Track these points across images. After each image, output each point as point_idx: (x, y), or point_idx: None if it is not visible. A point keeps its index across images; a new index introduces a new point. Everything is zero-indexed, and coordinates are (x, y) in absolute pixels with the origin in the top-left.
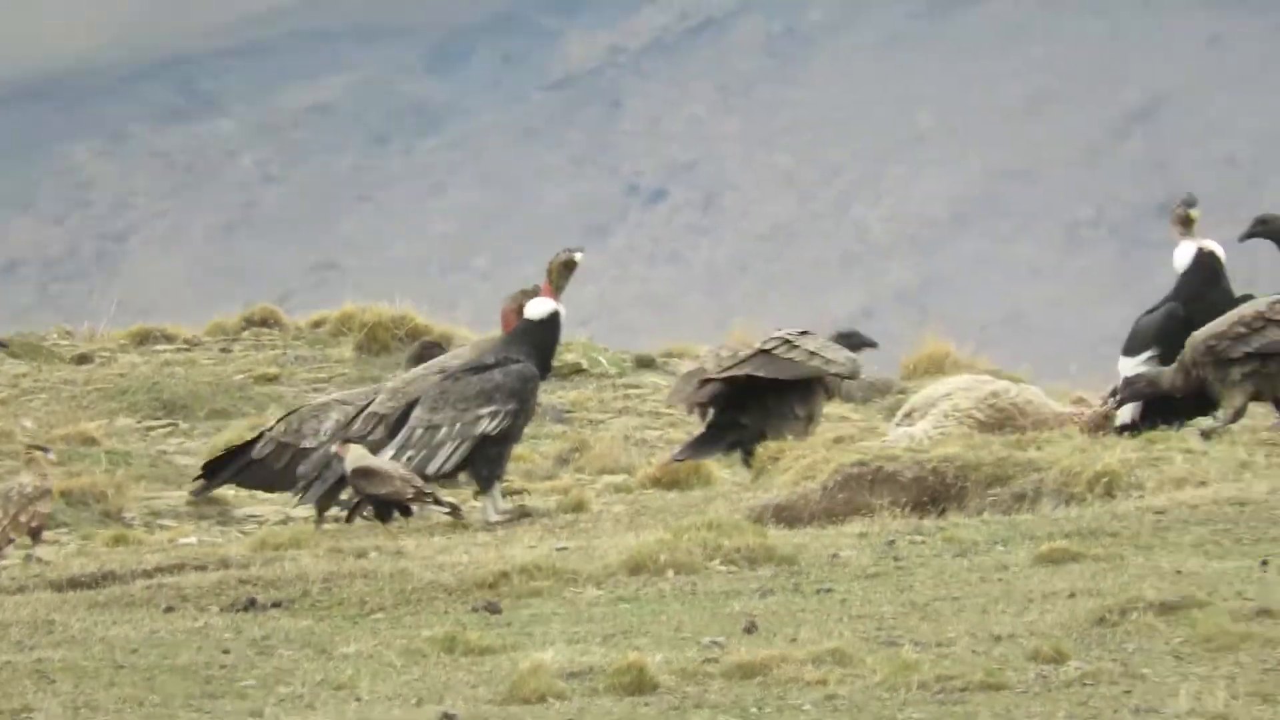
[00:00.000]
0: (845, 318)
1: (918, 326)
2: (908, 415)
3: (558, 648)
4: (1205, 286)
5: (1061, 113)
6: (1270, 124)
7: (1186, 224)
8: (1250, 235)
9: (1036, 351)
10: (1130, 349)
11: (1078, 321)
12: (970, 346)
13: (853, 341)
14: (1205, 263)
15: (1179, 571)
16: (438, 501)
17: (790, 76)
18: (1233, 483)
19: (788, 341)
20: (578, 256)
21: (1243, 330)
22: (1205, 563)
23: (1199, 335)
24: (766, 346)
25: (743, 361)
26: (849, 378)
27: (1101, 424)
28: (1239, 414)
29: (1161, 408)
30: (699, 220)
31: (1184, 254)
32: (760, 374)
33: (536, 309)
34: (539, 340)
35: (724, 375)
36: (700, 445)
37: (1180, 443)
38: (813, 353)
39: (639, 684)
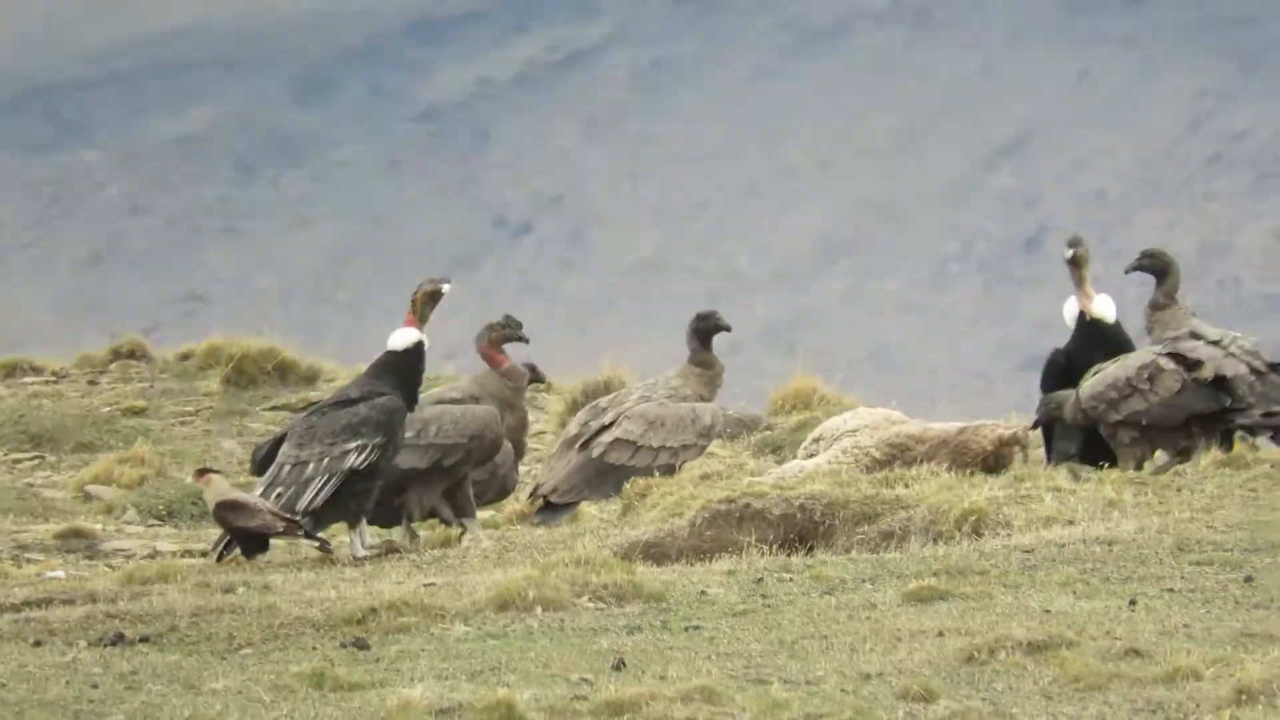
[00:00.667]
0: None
1: (785, 362)
2: (816, 441)
3: (426, 684)
4: (1088, 348)
5: (930, 147)
6: (1138, 158)
7: (1076, 265)
8: (1136, 268)
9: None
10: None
11: (945, 356)
12: (838, 381)
13: (709, 324)
14: (1086, 328)
15: (1047, 610)
16: (308, 535)
17: (658, 110)
18: (1101, 522)
19: (631, 443)
20: (445, 287)
21: (1114, 396)
22: (1074, 602)
23: (1085, 390)
24: (611, 458)
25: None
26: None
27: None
28: (1139, 466)
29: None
30: (566, 253)
31: (1069, 311)
32: (595, 497)
33: (400, 339)
34: (404, 371)
35: (560, 502)
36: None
37: (1049, 481)
38: (658, 449)
39: None
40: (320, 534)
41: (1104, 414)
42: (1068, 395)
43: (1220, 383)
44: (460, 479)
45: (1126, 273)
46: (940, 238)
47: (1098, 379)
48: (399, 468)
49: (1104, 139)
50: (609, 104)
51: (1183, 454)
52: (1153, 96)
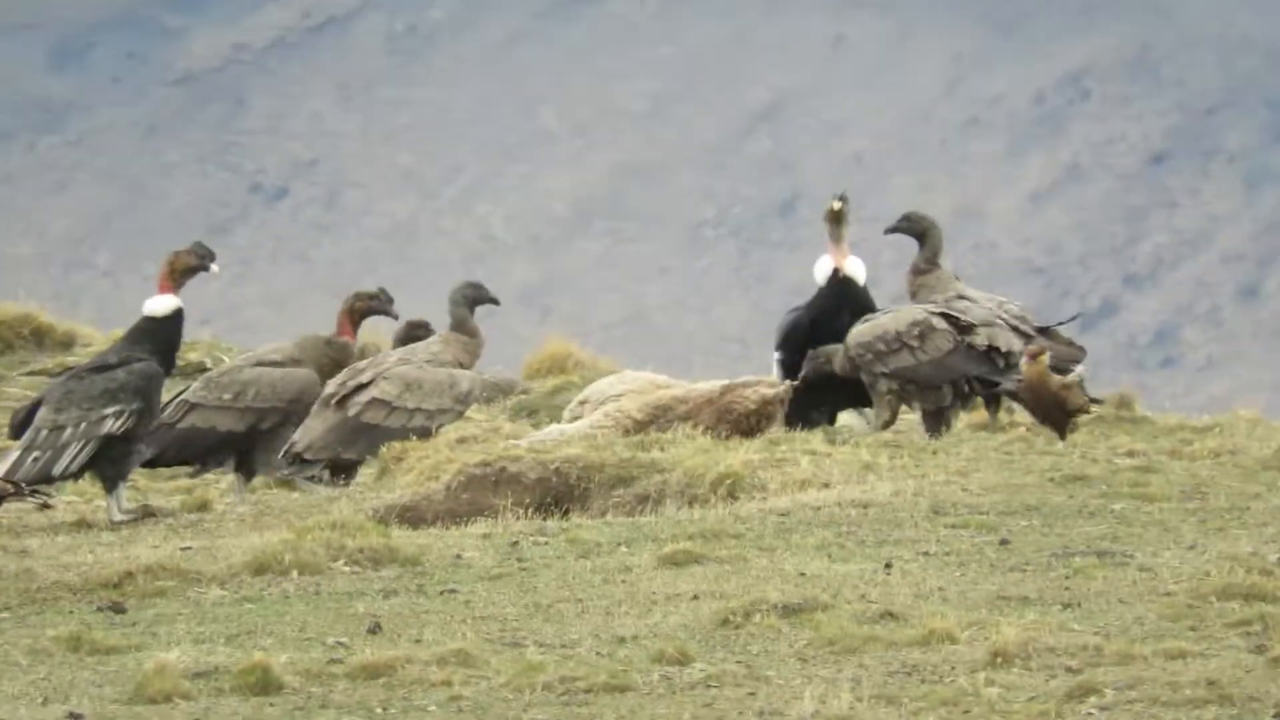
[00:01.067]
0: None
1: (541, 326)
2: (582, 404)
3: (183, 647)
4: (833, 306)
5: (685, 112)
6: (894, 123)
7: (836, 221)
8: (895, 230)
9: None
10: (775, 345)
11: (700, 320)
12: (593, 346)
13: (479, 294)
14: (836, 287)
15: (803, 574)
16: (32, 494)
17: (412, 75)
18: (856, 485)
19: (386, 404)
20: (213, 268)
21: (882, 348)
22: (829, 565)
23: (853, 336)
24: (366, 417)
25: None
26: (456, 419)
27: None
28: (889, 423)
29: (828, 389)
30: (322, 218)
31: (822, 269)
32: (351, 456)
33: (158, 306)
34: (163, 337)
35: (311, 458)
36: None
37: (804, 444)
38: (414, 410)
39: (264, 684)
40: (47, 492)
41: (870, 364)
42: (836, 348)
43: (993, 351)
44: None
45: (886, 233)
46: (696, 202)
47: (867, 327)
48: (217, 430)
49: (860, 103)
50: (363, 69)
51: (938, 415)
52: (908, 61)
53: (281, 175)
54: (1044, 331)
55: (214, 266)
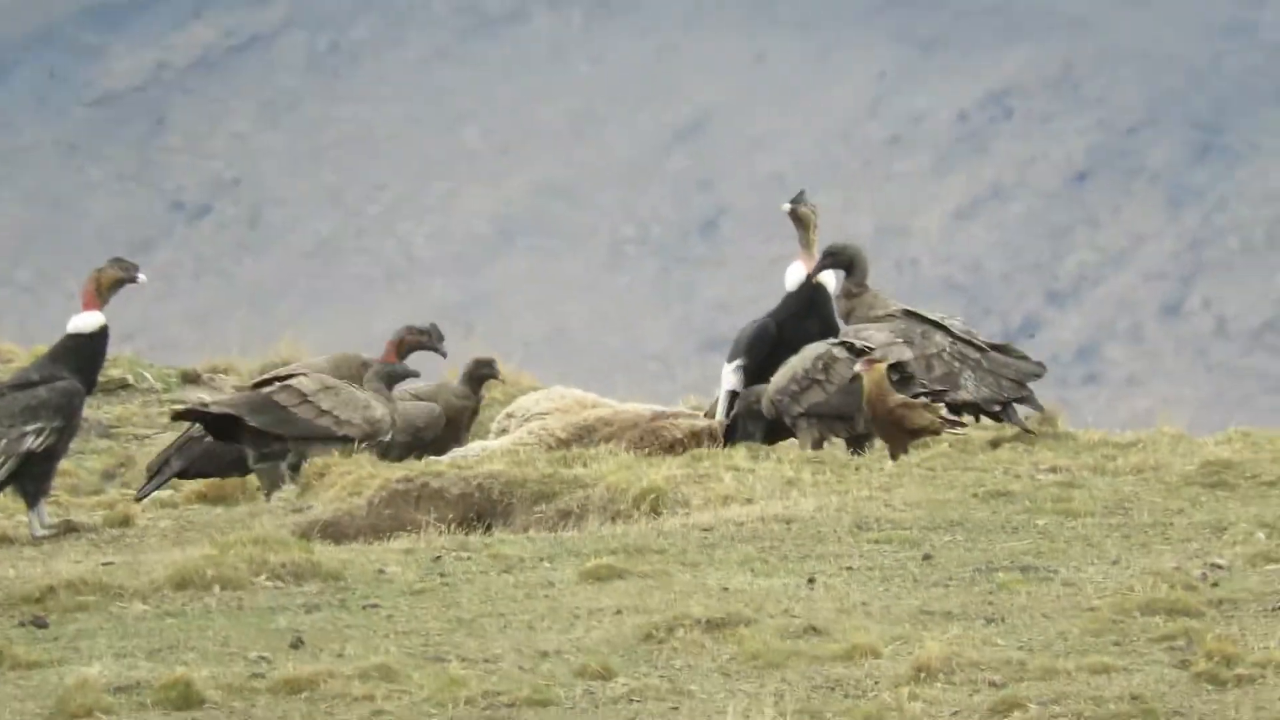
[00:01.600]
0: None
1: (464, 343)
2: (509, 417)
3: (105, 662)
4: (803, 312)
5: (607, 131)
6: (816, 141)
7: (801, 224)
8: (822, 268)
9: (582, 368)
10: (730, 355)
11: (622, 338)
12: (515, 363)
13: (395, 373)
14: (807, 293)
15: (726, 588)
16: None
17: (335, 93)
18: (779, 500)
19: (301, 394)
20: (140, 278)
21: (795, 389)
22: (752, 580)
23: (769, 388)
24: (274, 397)
25: (243, 403)
26: (364, 440)
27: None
28: (817, 447)
29: (760, 420)
30: (244, 237)
31: (794, 275)
32: (253, 422)
33: (85, 322)
34: (88, 355)
35: (215, 411)
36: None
37: (727, 460)
38: (324, 410)
39: (186, 699)
40: None
41: (788, 407)
42: (765, 389)
43: (896, 368)
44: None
45: (813, 275)
46: (618, 220)
47: (779, 375)
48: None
49: (782, 122)
50: (286, 88)
51: (858, 441)
52: (830, 79)
53: (204, 193)
54: (1001, 349)
55: (141, 277)
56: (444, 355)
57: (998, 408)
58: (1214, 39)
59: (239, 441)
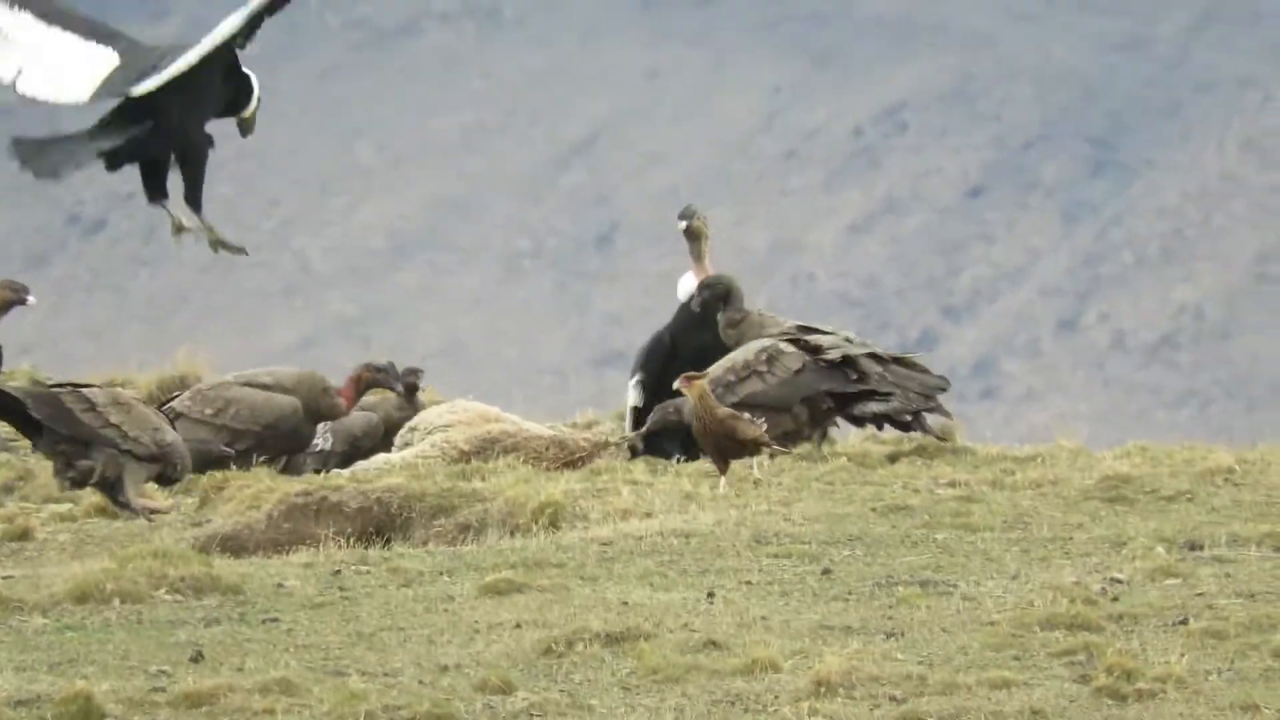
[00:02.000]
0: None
1: (360, 356)
2: (412, 430)
3: (5, 676)
4: (697, 323)
5: (501, 145)
6: (711, 155)
7: (694, 238)
8: (704, 304)
9: (478, 381)
10: (631, 370)
11: (517, 352)
12: None
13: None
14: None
15: (625, 603)
16: None
17: None
18: (678, 514)
19: (85, 398)
20: (29, 300)
21: (732, 379)
22: (652, 594)
23: (708, 379)
24: (65, 400)
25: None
26: (151, 461)
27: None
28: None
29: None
30: (140, 251)
31: (685, 285)
32: (35, 414)
33: None
34: None
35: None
36: None
37: (626, 474)
38: (110, 423)
39: (86, 712)
40: None
41: (722, 397)
42: (685, 400)
43: (847, 363)
44: None
45: (696, 309)
46: (513, 234)
47: (716, 366)
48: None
49: (676, 136)
50: None
51: (790, 436)
52: (725, 93)
53: (99, 207)
54: (900, 361)
55: (30, 299)
56: (398, 393)
57: (909, 418)
58: (1108, 55)
59: (33, 434)
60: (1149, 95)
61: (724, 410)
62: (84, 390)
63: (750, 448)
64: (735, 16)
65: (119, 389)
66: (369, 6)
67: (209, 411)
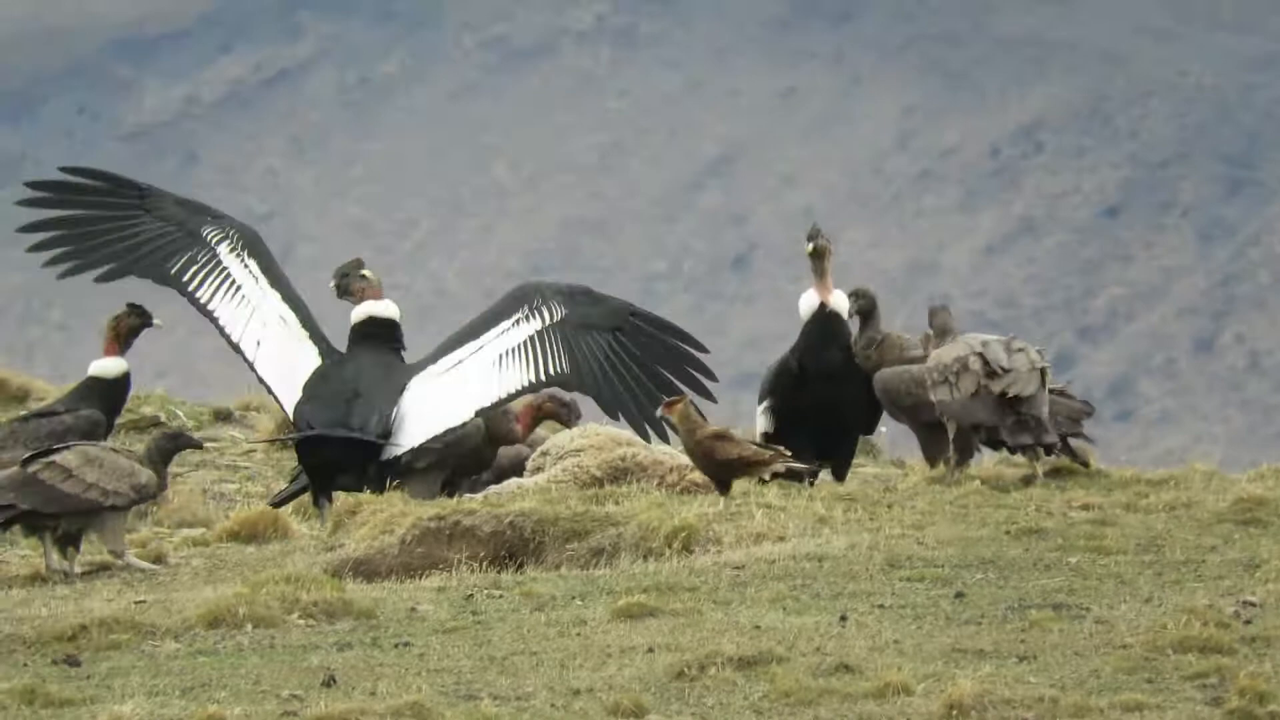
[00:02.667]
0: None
1: None
2: (544, 455)
3: (137, 700)
4: (822, 341)
5: (636, 165)
6: (846, 175)
7: (819, 257)
8: (856, 313)
9: None
10: (759, 397)
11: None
12: None
13: (178, 443)
14: (822, 322)
15: (758, 626)
16: None
17: (364, 128)
18: (811, 538)
19: (61, 466)
20: (155, 323)
21: (934, 379)
22: (784, 618)
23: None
24: (32, 470)
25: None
26: (131, 505)
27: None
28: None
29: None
30: None
31: (807, 304)
32: (24, 505)
33: (106, 368)
34: (111, 397)
35: None
36: None
37: (759, 498)
38: (90, 484)
39: None
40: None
41: (918, 393)
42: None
43: (1018, 401)
44: None
45: (853, 315)
46: (648, 255)
47: (934, 355)
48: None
49: (811, 156)
50: (316, 123)
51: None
52: (859, 113)
53: None
54: (1055, 392)
55: (156, 321)
56: (571, 427)
57: (1056, 443)
58: (1245, 73)
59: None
60: None
61: (706, 431)
62: (56, 459)
63: (739, 468)
64: (869, 37)
65: (89, 446)
66: (505, 26)
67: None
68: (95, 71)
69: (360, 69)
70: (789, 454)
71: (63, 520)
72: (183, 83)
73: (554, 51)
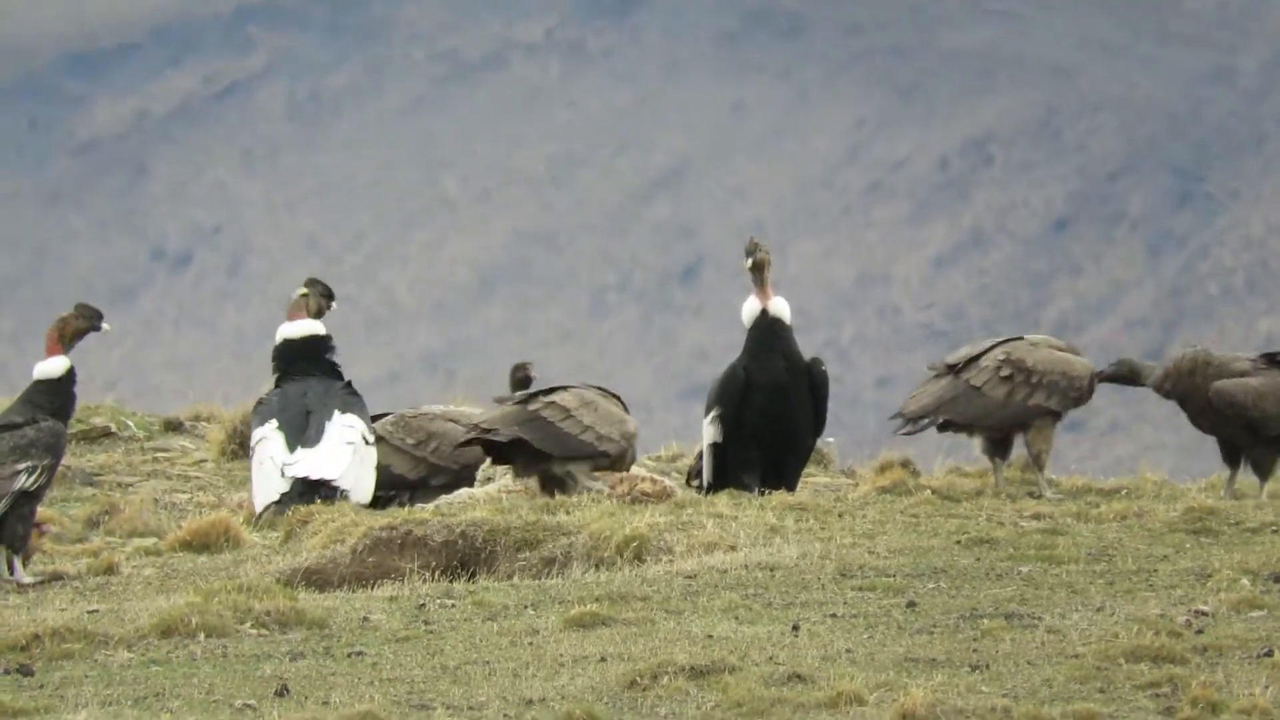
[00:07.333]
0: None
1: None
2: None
3: (90, 710)
4: (765, 347)
5: (586, 178)
6: (796, 188)
7: (756, 270)
8: (1108, 379)
9: None
10: (706, 407)
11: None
12: None
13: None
14: (764, 324)
15: (710, 636)
16: None
17: (314, 141)
18: (763, 547)
19: (560, 406)
20: (105, 326)
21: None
22: (736, 627)
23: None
24: (535, 409)
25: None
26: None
27: None
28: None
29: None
30: (225, 285)
31: (749, 311)
32: (529, 439)
33: (50, 368)
34: (59, 396)
35: (485, 438)
36: None
37: (710, 508)
38: (586, 426)
39: None
40: None
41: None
42: (1148, 363)
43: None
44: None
45: (1101, 380)
46: (598, 268)
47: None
48: (390, 471)
49: (761, 169)
50: (266, 136)
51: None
52: (809, 126)
53: (185, 242)
54: None
55: (105, 325)
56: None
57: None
58: (1193, 86)
59: (511, 461)
60: (1234, 126)
61: None
62: (556, 398)
63: None
64: (818, 50)
65: (585, 389)
66: (455, 40)
67: (410, 441)
68: (45, 86)
69: (310, 82)
70: None
71: (554, 462)
72: (133, 96)
73: (503, 64)
